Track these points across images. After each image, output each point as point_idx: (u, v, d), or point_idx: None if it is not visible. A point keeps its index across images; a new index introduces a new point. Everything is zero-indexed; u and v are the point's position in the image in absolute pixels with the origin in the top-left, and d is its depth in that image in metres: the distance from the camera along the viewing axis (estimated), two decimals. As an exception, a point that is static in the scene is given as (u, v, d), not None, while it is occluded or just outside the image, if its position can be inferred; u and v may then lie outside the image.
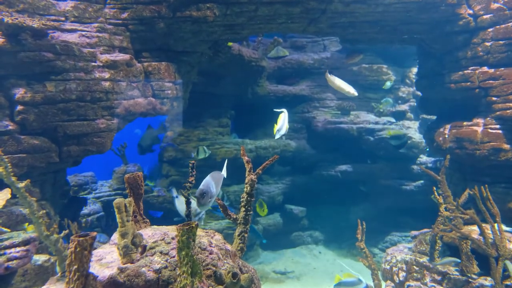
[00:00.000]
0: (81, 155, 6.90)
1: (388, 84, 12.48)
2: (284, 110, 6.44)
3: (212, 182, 3.65)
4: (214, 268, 3.48)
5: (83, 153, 6.86)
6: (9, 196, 5.25)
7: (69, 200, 8.48)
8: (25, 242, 5.08)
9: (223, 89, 12.04)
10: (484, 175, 7.89)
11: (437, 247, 6.78)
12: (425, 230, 7.87)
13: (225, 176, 4.28)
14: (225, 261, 3.68)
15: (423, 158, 11.96)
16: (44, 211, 4.88)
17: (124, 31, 7.35)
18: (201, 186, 3.47)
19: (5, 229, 5.39)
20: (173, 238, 3.68)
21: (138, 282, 3.19)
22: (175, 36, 7.80)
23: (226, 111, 12.64)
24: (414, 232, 8.20)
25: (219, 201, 4.52)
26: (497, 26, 7.51)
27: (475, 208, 6.66)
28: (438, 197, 6.74)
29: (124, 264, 3.44)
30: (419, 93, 11.13)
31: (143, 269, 3.28)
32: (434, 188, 6.83)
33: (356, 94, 7.06)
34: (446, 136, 8.47)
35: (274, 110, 7.35)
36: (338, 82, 6.98)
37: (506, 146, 7.39)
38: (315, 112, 13.04)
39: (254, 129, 13.08)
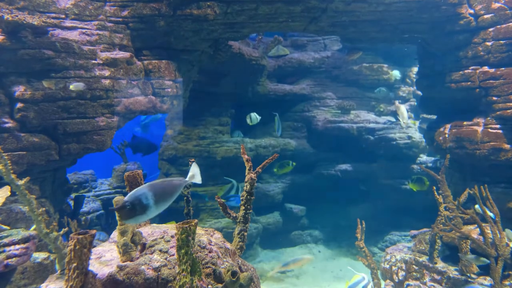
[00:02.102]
0: (81, 153, 6.90)
1: (395, 73, 12.30)
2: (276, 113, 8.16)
3: (148, 193, 2.92)
4: (213, 267, 3.48)
5: (83, 151, 6.86)
6: (9, 193, 5.26)
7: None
8: (25, 240, 5.08)
9: (224, 88, 12.02)
10: (484, 175, 7.88)
11: (436, 247, 6.79)
12: (425, 229, 7.88)
13: (198, 181, 3.50)
14: (225, 260, 3.68)
15: (423, 157, 11.96)
16: (44, 208, 4.88)
17: (125, 29, 7.34)
18: (126, 197, 2.87)
19: (4, 227, 5.40)
20: (172, 236, 3.68)
21: (137, 280, 3.19)
22: (176, 34, 7.78)
23: (226, 109, 12.62)
24: (413, 232, 8.21)
25: (218, 200, 4.52)
26: (498, 26, 7.50)
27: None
28: (413, 185, 6.97)
29: (123, 262, 3.45)
30: (419, 92, 11.12)
31: (143, 267, 3.28)
32: (434, 188, 6.84)
33: (405, 125, 7.96)
34: (446, 135, 8.46)
35: (273, 113, 8.24)
36: (403, 109, 8.69)
37: (506, 146, 7.38)
38: (316, 111, 13.02)
39: (254, 128, 13.05)
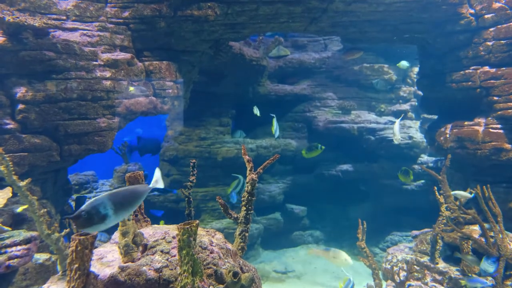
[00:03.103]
0: (82, 154, 6.91)
1: (404, 63, 12.18)
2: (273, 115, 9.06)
3: (107, 202, 2.87)
4: (215, 267, 3.48)
5: (84, 152, 6.87)
6: (10, 195, 5.27)
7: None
8: (26, 241, 5.09)
9: (224, 88, 12.03)
10: (485, 175, 7.88)
11: (438, 247, 6.78)
12: (426, 229, 7.87)
13: (160, 186, 3.51)
14: (226, 260, 3.68)
15: (424, 157, 11.94)
16: (45, 209, 4.88)
17: (125, 30, 7.35)
18: (83, 206, 2.83)
19: (6, 228, 5.40)
20: (174, 237, 3.68)
21: (139, 281, 3.20)
22: (176, 35, 7.79)
23: (227, 110, 12.62)
24: (415, 232, 8.20)
25: (219, 200, 4.53)
26: (499, 26, 7.50)
27: (476, 208, 6.67)
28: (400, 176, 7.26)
29: (125, 263, 3.45)
30: (420, 92, 11.12)
31: (144, 268, 3.28)
32: (435, 188, 6.83)
33: (397, 142, 8.47)
34: (447, 135, 8.46)
35: (271, 115, 9.35)
36: (395, 128, 8.84)
37: (508, 146, 7.38)
38: (316, 111, 13.02)
39: (255, 128, 13.07)
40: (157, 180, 3.49)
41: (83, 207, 2.80)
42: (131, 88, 6.56)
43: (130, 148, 12.01)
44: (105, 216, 2.84)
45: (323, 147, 10.18)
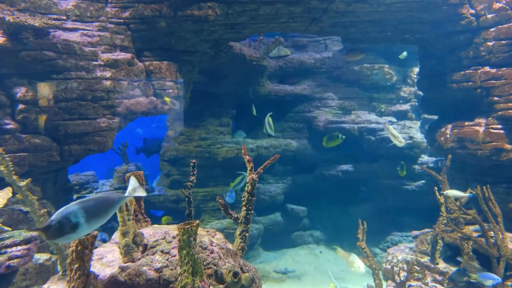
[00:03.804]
0: (82, 154, 6.91)
1: (404, 54, 12.16)
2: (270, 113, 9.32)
3: (78, 210, 2.74)
4: (215, 267, 3.48)
5: (84, 152, 6.87)
6: (10, 195, 5.26)
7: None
8: (26, 241, 5.09)
9: (224, 89, 12.03)
10: (486, 175, 7.87)
11: (438, 247, 6.78)
12: (426, 230, 7.87)
13: (140, 194, 3.39)
14: (226, 260, 3.68)
15: (425, 158, 11.94)
16: (46, 209, 4.89)
17: (126, 30, 7.35)
18: (53, 216, 2.68)
19: (6, 228, 5.40)
20: (174, 237, 3.68)
21: (139, 281, 3.20)
22: (176, 35, 7.79)
23: (227, 110, 12.62)
24: (415, 232, 8.19)
25: (220, 201, 4.52)
26: (499, 26, 7.49)
27: (477, 208, 6.66)
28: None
29: (125, 263, 3.45)
30: (420, 92, 11.12)
31: (144, 268, 3.28)
32: (436, 188, 6.83)
33: (402, 144, 8.35)
34: (448, 136, 8.45)
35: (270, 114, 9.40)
36: (392, 131, 8.63)
37: (508, 146, 7.37)
38: (316, 111, 13.02)
39: (255, 128, 13.06)
40: (135, 189, 3.37)
41: (52, 217, 2.68)
42: (167, 99, 6.64)
43: (136, 150, 12.00)
44: (76, 224, 2.73)
45: (343, 136, 10.01)
